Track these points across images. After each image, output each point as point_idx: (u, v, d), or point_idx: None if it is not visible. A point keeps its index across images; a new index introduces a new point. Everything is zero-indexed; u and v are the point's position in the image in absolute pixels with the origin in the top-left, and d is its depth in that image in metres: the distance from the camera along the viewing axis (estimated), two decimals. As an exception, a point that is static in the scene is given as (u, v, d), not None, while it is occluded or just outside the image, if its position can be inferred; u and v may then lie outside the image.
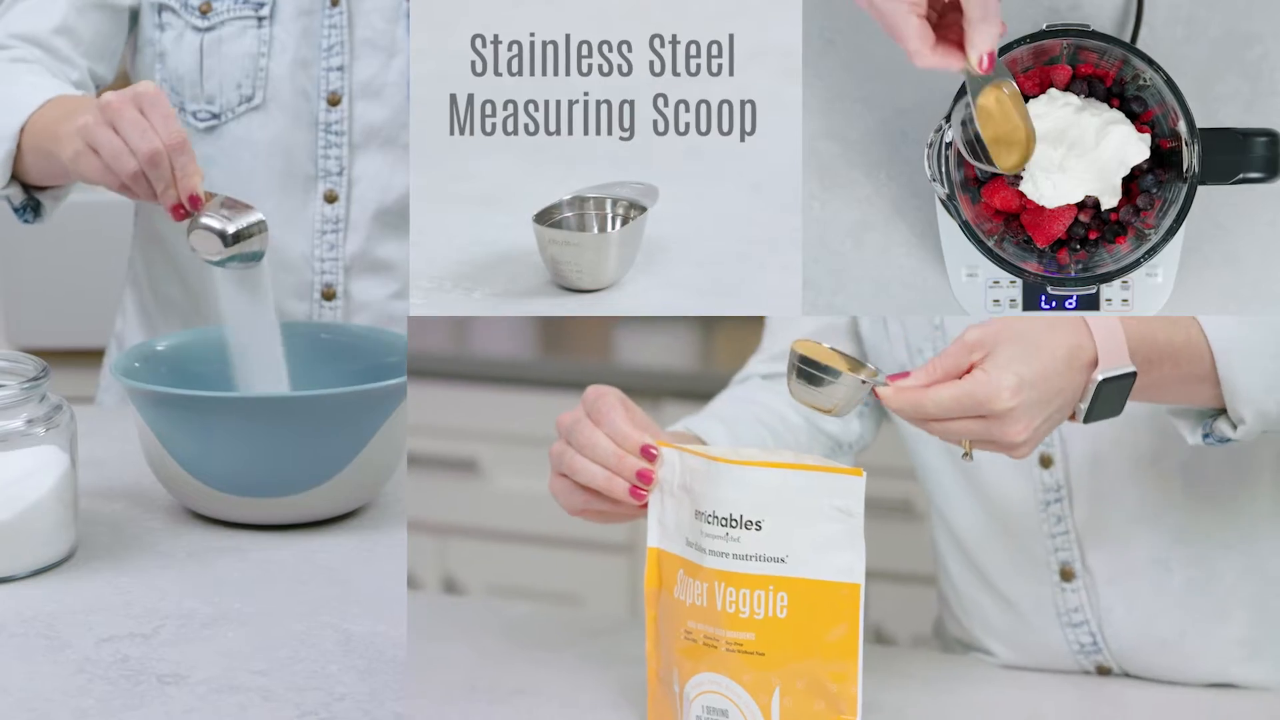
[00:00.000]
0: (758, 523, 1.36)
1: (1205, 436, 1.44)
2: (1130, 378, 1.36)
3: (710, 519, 1.37)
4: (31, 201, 1.88)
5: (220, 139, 1.96)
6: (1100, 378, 1.35)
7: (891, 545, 2.55)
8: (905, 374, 1.35)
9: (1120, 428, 1.54)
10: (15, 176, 1.84)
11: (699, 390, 2.05)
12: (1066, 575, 1.60)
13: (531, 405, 3.05)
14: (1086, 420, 1.37)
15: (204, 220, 1.63)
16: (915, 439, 1.66)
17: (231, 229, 1.63)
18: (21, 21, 1.94)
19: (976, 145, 1.38)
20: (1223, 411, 1.42)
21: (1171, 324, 1.39)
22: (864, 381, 1.36)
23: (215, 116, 1.96)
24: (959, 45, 1.37)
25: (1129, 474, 1.58)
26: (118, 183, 1.65)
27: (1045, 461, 1.58)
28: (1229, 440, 1.43)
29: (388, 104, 1.95)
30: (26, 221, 1.90)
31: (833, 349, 1.38)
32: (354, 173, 1.97)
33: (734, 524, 1.36)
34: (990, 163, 1.38)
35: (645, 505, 1.42)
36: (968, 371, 1.34)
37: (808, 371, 1.37)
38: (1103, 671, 1.62)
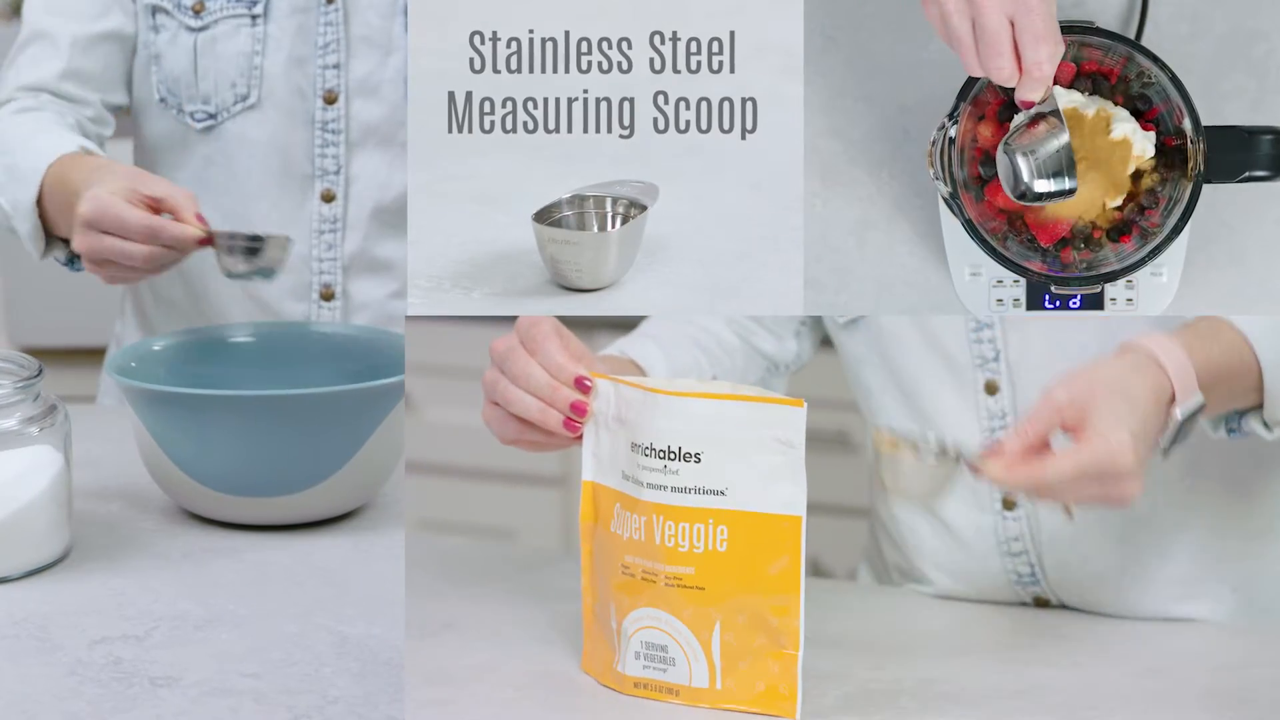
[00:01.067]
0: (696, 455, 1.35)
1: (1230, 432, 1.45)
2: (1201, 408, 1.38)
3: (647, 451, 1.36)
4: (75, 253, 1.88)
5: (217, 139, 1.96)
6: (1181, 416, 1.37)
7: (829, 477, 2.54)
8: (998, 444, 1.34)
9: (1068, 360, 1.55)
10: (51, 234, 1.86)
11: (633, 321, 2.04)
12: (1008, 504, 1.61)
13: (462, 335, 3.03)
14: (1165, 455, 1.38)
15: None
16: (857, 361, 1.66)
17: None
18: (28, 72, 1.96)
19: (1064, 164, 1.37)
20: (1252, 408, 1.44)
21: (1223, 342, 1.41)
22: (958, 461, 1.36)
23: (212, 116, 1.96)
24: None
25: None
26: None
27: (991, 388, 1.58)
28: (1252, 434, 1.45)
29: (385, 102, 1.94)
30: (77, 270, 1.90)
31: (910, 436, 1.37)
32: (351, 171, 1.96)
33: (672, 456, 1.36)
34: (1071, 180, 1.37)
35: (580, 437, 1.41)
36: (1065, 429, 1.34)
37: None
38: (1040, 603, 1.63)
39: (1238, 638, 1.56)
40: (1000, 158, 1.38)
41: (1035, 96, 1.35)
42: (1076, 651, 1.49)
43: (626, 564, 1.38)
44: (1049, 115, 1.37)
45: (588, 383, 1.40)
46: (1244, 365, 1.42)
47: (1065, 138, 1.37)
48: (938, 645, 1.52)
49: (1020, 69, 1.33)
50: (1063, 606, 1.61)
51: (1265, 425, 1.45)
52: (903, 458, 1.35)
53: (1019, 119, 1.38)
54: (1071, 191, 1.37)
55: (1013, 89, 1.37)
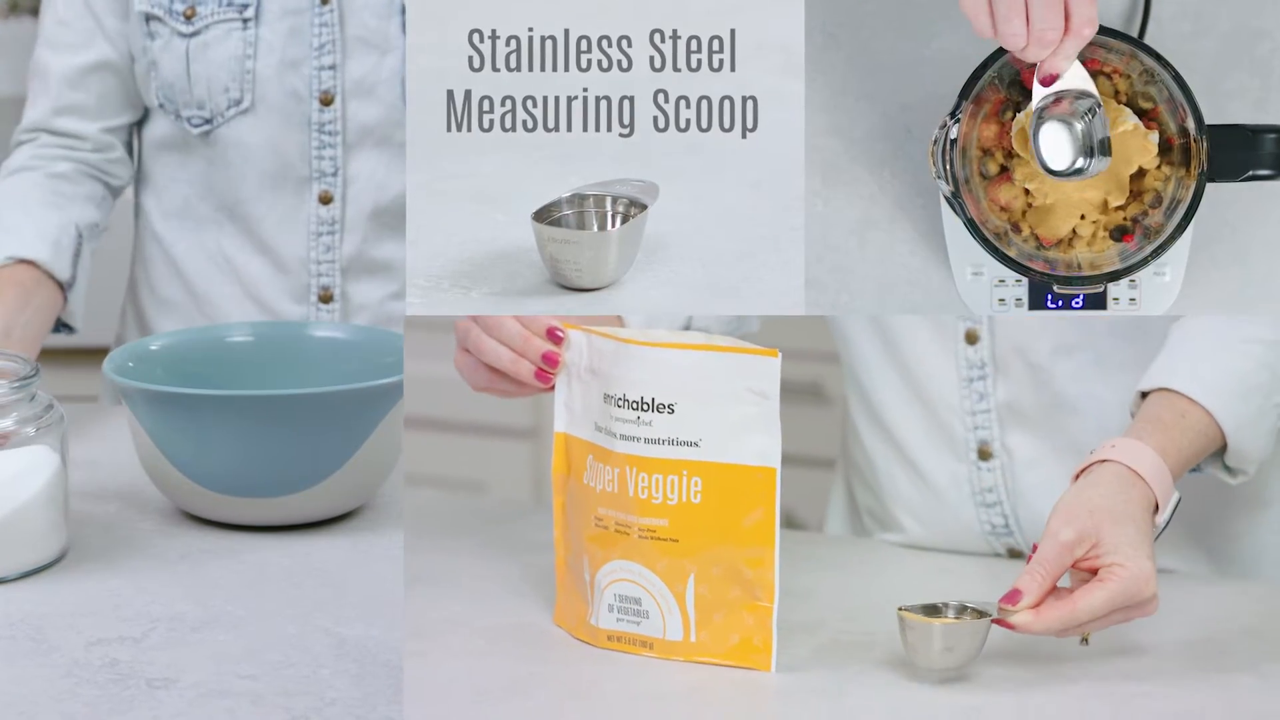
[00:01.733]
0: (670, 406, 1.35)
1: (1192, 471, 1.48)
2: (1179, 503, 1.42)
3: (620, 402, 1.36)
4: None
5: (215, 144, 1.96)
6: (1164, 524, 1.41)
7: (802, 429, 2.55)
8: (1015, 592, 1.35)
9: (1044, 317, 1.56)
10: None
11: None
12: (984, 454, 1.62)
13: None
14: None
15: None
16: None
17: None
18: (29, 111, 2.00)
19: (1104, 136, 1.36)
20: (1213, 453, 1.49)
21: (1189, 428, 1.45)
22: (988, 619, 1.36)
23: (208, 121, 1.95)
24: None
25: (1050, 360, 1.59)
26: None
27: (971, 338, 1.60)
28: (1213, 476, 1.51)
29: (381, 102, 1.94)
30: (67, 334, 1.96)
31: (927, 605, 1.37)
32: (349, 173, 1.95)
33: (645, 407, 1.35)
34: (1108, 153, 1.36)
35: (552, 387, 1.41)
36: (1078, 566, 1.37)
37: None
38: (1014, 555, 1.64)
39: (1211, 591, 1.57)
40: (1044, 128, 1.36)
41: (1066, 66, 1.35)
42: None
43: (600, 516, 1.38)
44: (1070, 91, 1.36)
45: (560, 333, 1.40)
46: (1209, 441, 1.46)
47: (1100, 109, 1.36)
48: (911, 596, 1.53)
49: (1068, 30, 1.33)
50: None
51: (1228, 470, 1.50)
52: (926, 626, 1.35)
53: (1045, 94, 1.36)
54: (1105, 165, 1.37)
55: (1022, 77, 1.37)
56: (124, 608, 1.46)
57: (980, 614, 1.36)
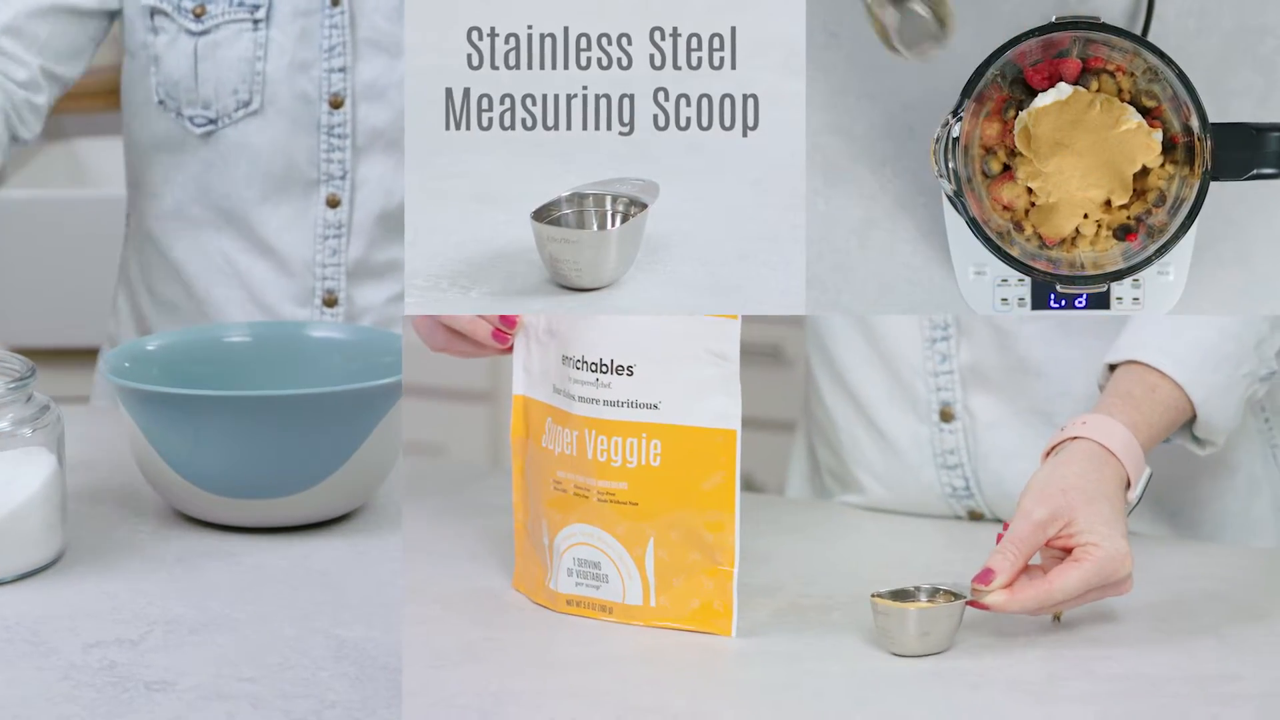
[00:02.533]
0: (629, 368, 1.35)
1: (1164, 441, 1.49)
2: (1149, 479, 1.43)
3: (579, 364, 1.36)
4: None
5: (218, 144, 1.95)
6: (1136, 500, 1.41)
7: (762, 391, 2.56)
8: (988, 571, 1.36)
9: None
10: None
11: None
12: (946, 416, 1.63)
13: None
14: None
15: None
16: None
17: None
18: None
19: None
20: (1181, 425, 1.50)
21: (1158, 402, 1.46)
22: (963, 600, 1.35)
23: (212, 121, 1.94)
24: None
25: (1013, 322, 1.60)
26: None
27: None
28: (1181, 447, 1.52)
29: (392, 106, 1.93)
30: None
31: (899, 589, 1.36)
32: (357, 176, 1.95)
33: (604, 369, 1.36)
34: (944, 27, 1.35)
35: (510, 348, 1.41)
36: (1050, 545, 1.37)
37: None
38: (975, 517, 1.65)
39: (1174, 554, 1.57)
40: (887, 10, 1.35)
41: None
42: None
43: (558, 479, 1.38)
44: None
45: None
46: (1179, 414, 1.47)
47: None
48: (870, 560, 1.55)
49: None
50: (997, 521, 1.62)
51: (1196, 440, 1.50)
52: (901, 612, 1.35)
53: None
54: (941, 36, 1.35)
55: (1025, 75, 1.36)
56: (121, 610, 1.45)
57: (953, 595, 1.36)
